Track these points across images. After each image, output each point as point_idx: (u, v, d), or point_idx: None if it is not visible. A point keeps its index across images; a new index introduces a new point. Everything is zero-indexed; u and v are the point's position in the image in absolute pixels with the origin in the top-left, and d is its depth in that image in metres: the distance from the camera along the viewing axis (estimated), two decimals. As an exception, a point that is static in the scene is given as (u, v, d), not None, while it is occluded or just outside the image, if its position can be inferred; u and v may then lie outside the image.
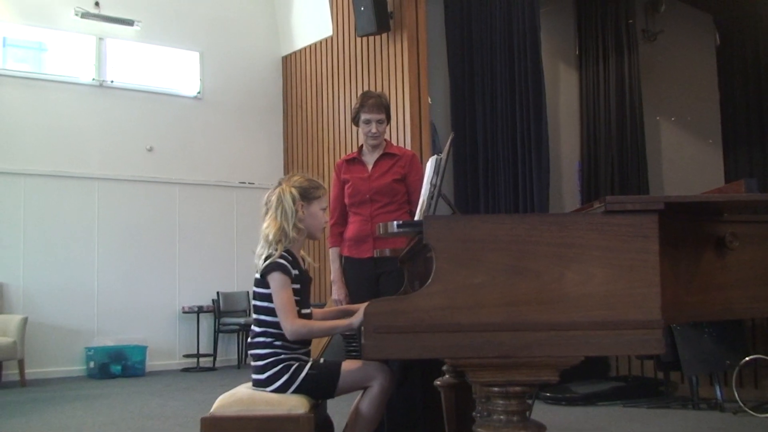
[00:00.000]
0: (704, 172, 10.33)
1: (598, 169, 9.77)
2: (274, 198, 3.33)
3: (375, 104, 4.47)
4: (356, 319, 2.99)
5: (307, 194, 3.34)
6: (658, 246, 2.31)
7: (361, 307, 2.52)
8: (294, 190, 3.31)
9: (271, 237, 3.26)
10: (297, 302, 3.19)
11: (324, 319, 3.47)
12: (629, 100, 9.79)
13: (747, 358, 5.85)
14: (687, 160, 10.52)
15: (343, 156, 4.99)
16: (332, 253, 4.66)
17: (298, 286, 3.23)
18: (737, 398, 5.65)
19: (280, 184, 3.38)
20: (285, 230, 3.26)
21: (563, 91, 9.89)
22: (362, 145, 4.64)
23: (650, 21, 10.38)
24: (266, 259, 3.21)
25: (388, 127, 4.61)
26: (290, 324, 3.11)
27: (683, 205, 2.54)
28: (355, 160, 4.63)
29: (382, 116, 4.49)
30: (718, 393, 5.90)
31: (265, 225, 3.31)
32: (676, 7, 10.52)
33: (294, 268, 3.23)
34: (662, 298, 2.30)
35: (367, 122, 4.47)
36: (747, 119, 10.82)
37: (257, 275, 3.25)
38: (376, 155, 4.56)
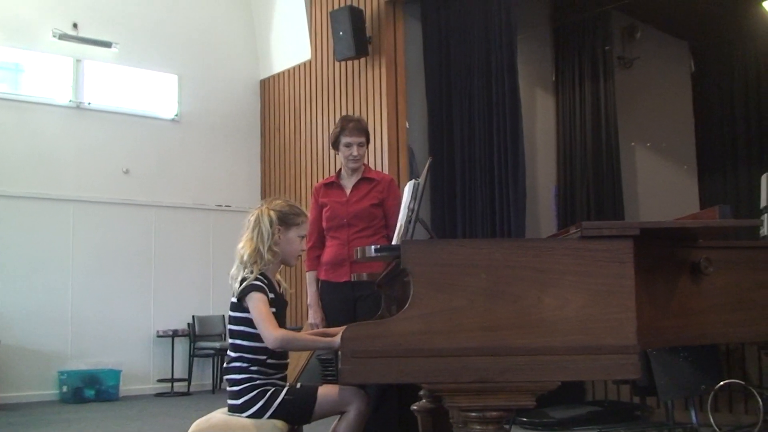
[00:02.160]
0: (679, 197, 10.40)
1: (574, 193, 9.82)
2: (252, 219, 3.32)
3: (356, 128, 4.49)
4: (338, 339, 2.97)
5: (287, 219, 3.33)
6: (633, 271, 2.33)
7: (342, 329, 2.52)
8: (273, 213, 3.31)
9: (246, 257, 3.25)
10: (274, 326, 3.17)
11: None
12: (605, 126, 9.85)
13: (722, 383, 5.87)
14: (662, 186, 10.58)
15: (321, 180, 5.00)
16: (309, 277, 4.65)
17: (274, 309, 3.21)
18: (712, 422, 5.66)
19: (261, 205, 3.38)
20: (260, 252, 3.25)
21: (540, 117, 9.96)
22: (341, 169, 4.65)
23: (627, 47, 10.47)
24: (242, 281, 3.20)
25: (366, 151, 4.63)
26: (272, 333, 3.06)
27: (658, 231, 2.56)
28: (333, 184, 4.63)
29: (363, 139, 4.52)
30: (694, 417, 5.91)
31: (240, 245, 3.31)
32: (652, 34, 10.63)
33: (270, 292, 3.22)
34: (638, 322, 2.32)
35: (348, 145, 4.48)
36: (722, 145, 10.94)
37: (233, 299, 3.23)
38: (354, 179, 4.57)
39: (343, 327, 2.51)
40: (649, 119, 10.62)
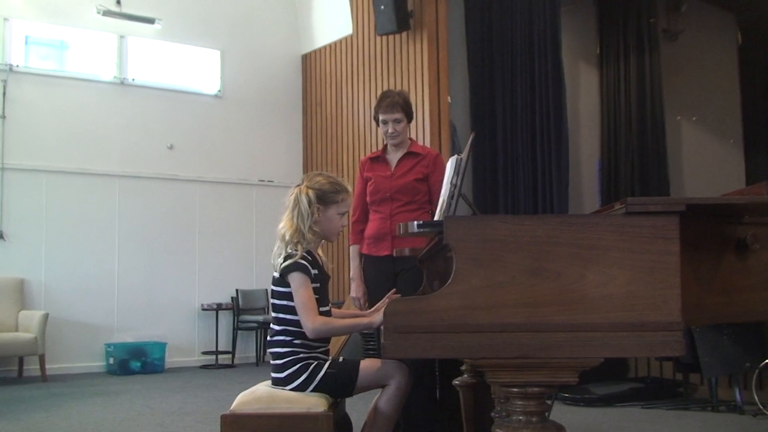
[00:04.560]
0: (725, 173, 10.25)
1: (618, 168, 9.72)
2: (291, 198, 3.32)
3: (391, 104, 4.45)
4: (377, 318, 2.99)
5: (325, 198, 3.32)
6: (678, 247, 2.30)
7: (381, 306, 2.53)
8: (311, 193, 3.30)
9: (287, 237, 3.26)
10: (316, 300, 3.20)
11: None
12: (650, 100, 9.73)
13: (767, 360, 5.81)
14: (708, 161, 10.44)
15: (363, 155, 5.00)
16: (352, 251, 4.67)
17: (317, 285, 3.24)
18: (757, 400, 5.62)
19: (302, 182, 3.38)
20: (301, 232, 3.25)
21: (583, 90, 9.85)
22: (387, 144, 4.64)
23: (672, 20, 10.31)
24: (286, 258, 3.22)
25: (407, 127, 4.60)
26: (311, 322, 3.11)
27: (704, 207, 2.52)
28: (378, 159, 4.63)
29: (399, 116, 4.46)
30: (738, 395, 5.87)
31: (281, 225, 3.31)
32: (698, 7, 10.45)
33: (313, 268, 3.24)
34: (682, 299, 2.29)
35: (384, 122, 4.48)
36: (768, 120, 10.75)
37: (275, 274, 3.26)
38: (399, 154, 4.56)
39: (383, 304, 2.51)
40: (694, 93, 10.47)
